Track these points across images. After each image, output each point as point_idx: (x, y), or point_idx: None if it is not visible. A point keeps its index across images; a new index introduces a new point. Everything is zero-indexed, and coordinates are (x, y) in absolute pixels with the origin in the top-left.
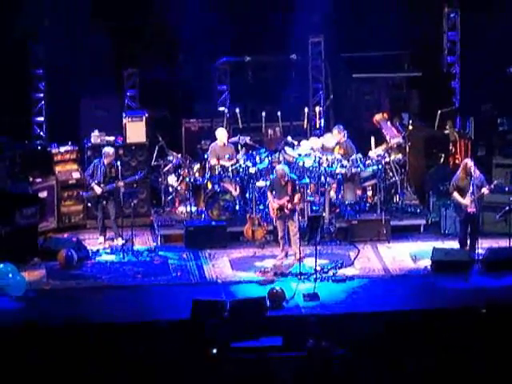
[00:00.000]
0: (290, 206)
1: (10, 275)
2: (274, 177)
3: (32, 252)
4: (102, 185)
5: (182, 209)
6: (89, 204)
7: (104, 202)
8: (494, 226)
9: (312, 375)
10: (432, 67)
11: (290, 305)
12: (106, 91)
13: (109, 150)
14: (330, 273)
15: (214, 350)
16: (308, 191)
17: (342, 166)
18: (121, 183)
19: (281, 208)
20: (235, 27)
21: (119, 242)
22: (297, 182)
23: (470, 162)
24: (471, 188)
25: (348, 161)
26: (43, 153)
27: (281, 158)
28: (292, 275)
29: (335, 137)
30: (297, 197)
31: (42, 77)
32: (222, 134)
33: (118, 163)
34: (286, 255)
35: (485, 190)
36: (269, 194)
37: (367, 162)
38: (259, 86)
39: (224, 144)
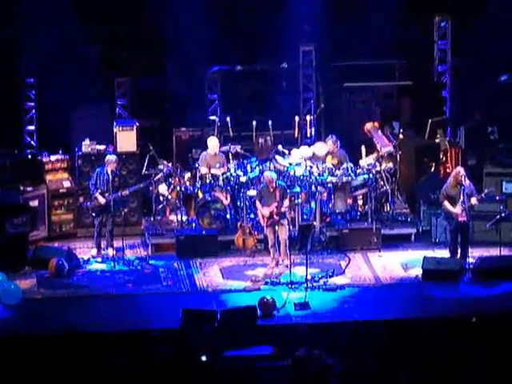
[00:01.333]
0: (276, 210)
1: (5, 284)
2: (262, 185)
3: (23, 261)
4: (106, 194)
5: (172, 218)
6: (93, 214)
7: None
8: (485, 235)
9: None
10: (423, 76)
11: (280, 314)
12: (96, 100)
13: (112, 158)
14: (321, 282)
15: (204, 358)
16: (299, 200)
17: (333, 175)
18: (126, 192)
19: (270, 215)
20: (226, 36)
21: (110, 252)
22: (286, 190)
23: (462, 171)
24: (462, 197)
25: (339, 170)
26: (34, 162)
27: (271, 167)
28: (283, 284)
29: (328, 146)
30: (286, 201)
31: (32, 85)
32: (213, 143)
33: (109, 171)
34: (277, 264)
35: (474, 200)
36: (257, 203)
37: (358, 171)
38: (250, 94)
39: (215, 153)
